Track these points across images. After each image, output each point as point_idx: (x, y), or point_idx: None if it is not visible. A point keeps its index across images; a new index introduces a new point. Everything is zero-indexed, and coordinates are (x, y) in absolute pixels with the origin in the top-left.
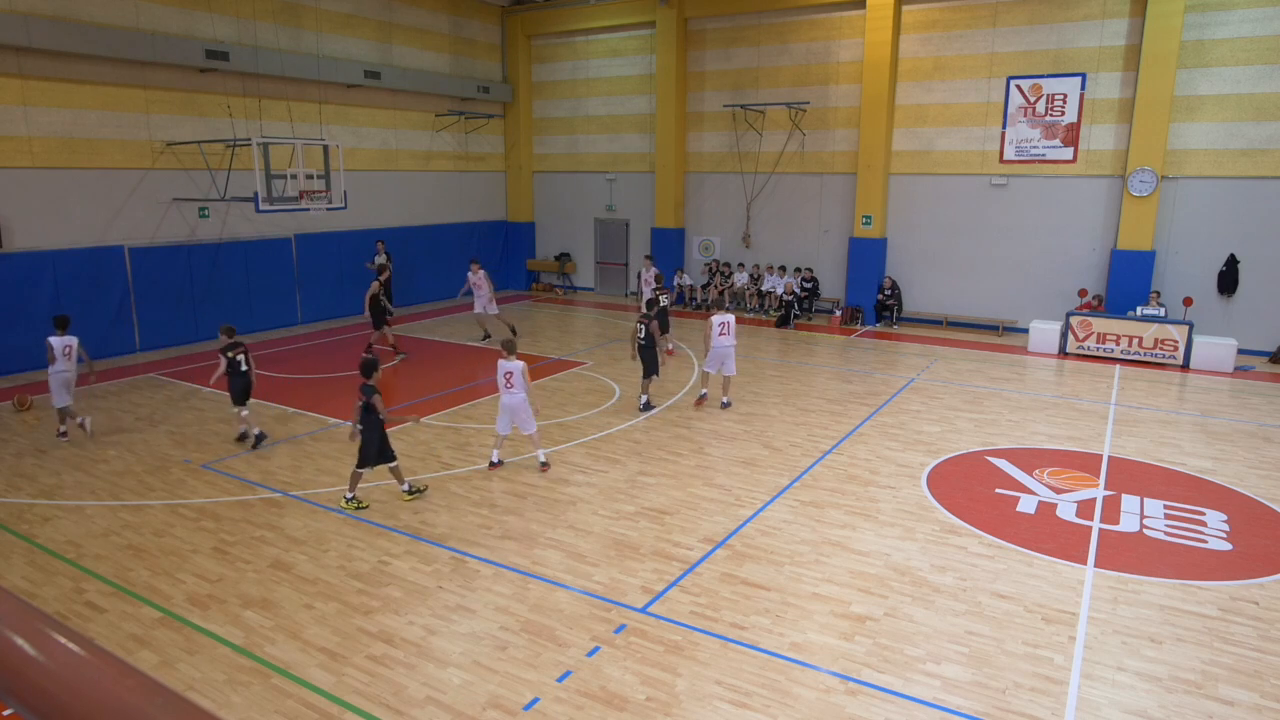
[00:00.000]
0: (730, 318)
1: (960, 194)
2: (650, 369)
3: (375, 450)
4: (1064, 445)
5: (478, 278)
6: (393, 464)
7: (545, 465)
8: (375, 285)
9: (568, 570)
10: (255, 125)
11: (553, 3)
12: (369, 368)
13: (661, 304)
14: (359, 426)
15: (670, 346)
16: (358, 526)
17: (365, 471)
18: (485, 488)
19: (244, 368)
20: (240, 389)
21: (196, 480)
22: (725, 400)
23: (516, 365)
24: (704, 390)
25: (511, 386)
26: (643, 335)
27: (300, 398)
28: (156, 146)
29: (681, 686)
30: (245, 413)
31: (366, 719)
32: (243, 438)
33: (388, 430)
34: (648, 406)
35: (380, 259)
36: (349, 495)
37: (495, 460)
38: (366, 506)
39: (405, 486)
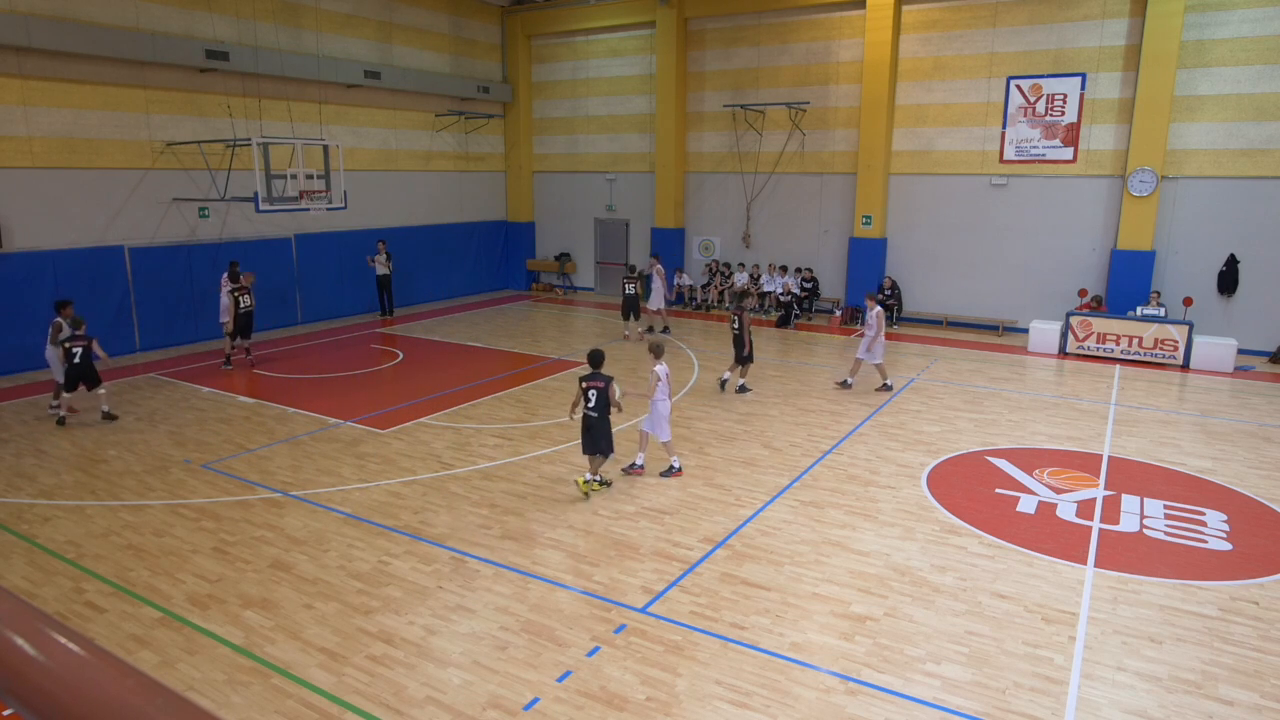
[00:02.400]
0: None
1: (960, 194)
2: (739, 357)
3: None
4: (1064, 445)
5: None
6: (598, 455)
7: (679, 470)
8: (249, 300)
9: (568, 570)
10: (255, 125)
11: (553, 3)
12: (598, 358)
13: (627, 293)
14: (597, 413)
15: (642, 331)
16: (358, 526)
17: (609, 456)
18: (485, 488)
19: (77, 360)
20: (72, 377)
21: (196, 480)
22: (850, 380)
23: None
24: (850, 378)
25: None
26: (736, 326)
27: (300, 397)
28: (156, 146)
29: (681, 686)
30: (67, 398)
31: (366, 719)
32: (60, 421)
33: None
34: (742, 389)
35: (380, 258)
36: (599, 477)
37: (677, 467)
38: (609, 483)
39: (597, 478)
